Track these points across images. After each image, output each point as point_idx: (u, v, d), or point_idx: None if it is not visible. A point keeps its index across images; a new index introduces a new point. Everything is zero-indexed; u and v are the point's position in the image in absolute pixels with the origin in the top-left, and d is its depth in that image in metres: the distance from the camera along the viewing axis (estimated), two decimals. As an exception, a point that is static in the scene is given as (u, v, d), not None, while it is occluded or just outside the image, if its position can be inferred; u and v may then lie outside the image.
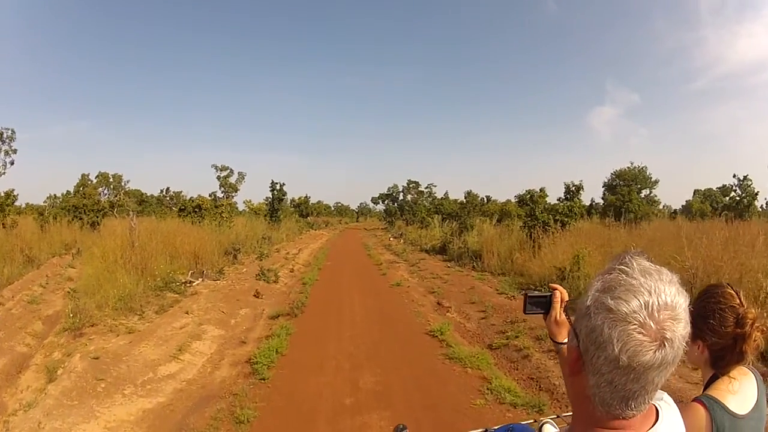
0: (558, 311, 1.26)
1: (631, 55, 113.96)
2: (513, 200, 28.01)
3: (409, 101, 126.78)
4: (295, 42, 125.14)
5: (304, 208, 51.15)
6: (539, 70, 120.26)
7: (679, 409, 0.86)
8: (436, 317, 8.60)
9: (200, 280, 11.04)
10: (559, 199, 19.28)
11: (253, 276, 12.05)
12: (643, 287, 0.69)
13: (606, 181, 31.94)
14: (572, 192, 19.75)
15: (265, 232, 23.80)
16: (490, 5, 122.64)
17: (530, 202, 17.49)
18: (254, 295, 9.92)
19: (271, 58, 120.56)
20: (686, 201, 38.84)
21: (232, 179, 37.32)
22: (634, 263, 0.73)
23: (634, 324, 0.67)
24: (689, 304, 0.72)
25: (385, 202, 51.47)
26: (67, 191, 30.43)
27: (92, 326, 7.95)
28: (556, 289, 1.27)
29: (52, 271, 13.31)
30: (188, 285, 10.51)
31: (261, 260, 16.09)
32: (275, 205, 29.84)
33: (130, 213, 11.67)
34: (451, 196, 45.78)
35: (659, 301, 0.68)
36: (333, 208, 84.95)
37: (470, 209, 23.07)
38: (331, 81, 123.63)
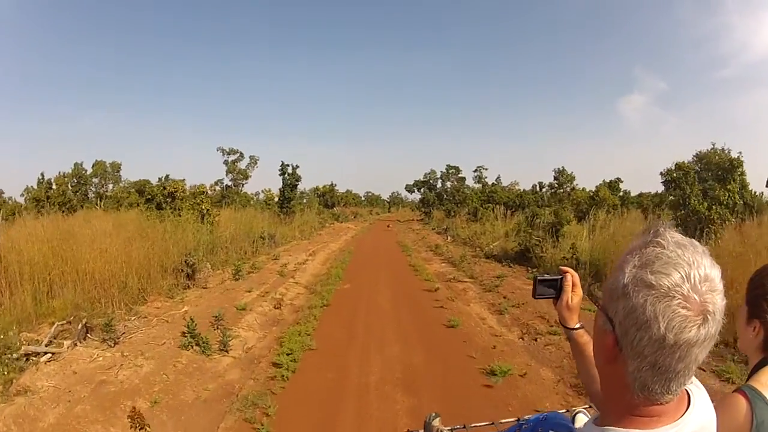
0: (569, 295, 1.17)
1: (660, 42, 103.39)
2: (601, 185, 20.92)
3: (441, 87, 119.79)
4: (327, 29, 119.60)
5: (329, 198, 45.40)
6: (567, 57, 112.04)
7: (721, 399, 0.80)
8: None
9: (67, 344, 4.95)
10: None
11: (183, 328, 5.85)
12: (681, 259, 0.64)
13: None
14: (728, 170, 12.79)
15: (267, 228, 17.74)
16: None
17: (685, 184, 10.68)
18: (129, 417, 3.73)
19: (303, 45, 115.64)
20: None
21: (242, 164, 31.80)
22: (668, 236, 0.68)
23: (678, 298, 0.63)
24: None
25: (421, 189, 44.60)
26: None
27: None
28: (567, 272, 1.19)
29: None
30: (33, 359, 4.47)
31: (237, 279, 9.99)
32: (286, 193, 23.60)
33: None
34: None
35: (699, 273, 0.64)
36: (363, 198, 79.11)
37: (562, 196, 15.97)
38: (363, 68, 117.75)
